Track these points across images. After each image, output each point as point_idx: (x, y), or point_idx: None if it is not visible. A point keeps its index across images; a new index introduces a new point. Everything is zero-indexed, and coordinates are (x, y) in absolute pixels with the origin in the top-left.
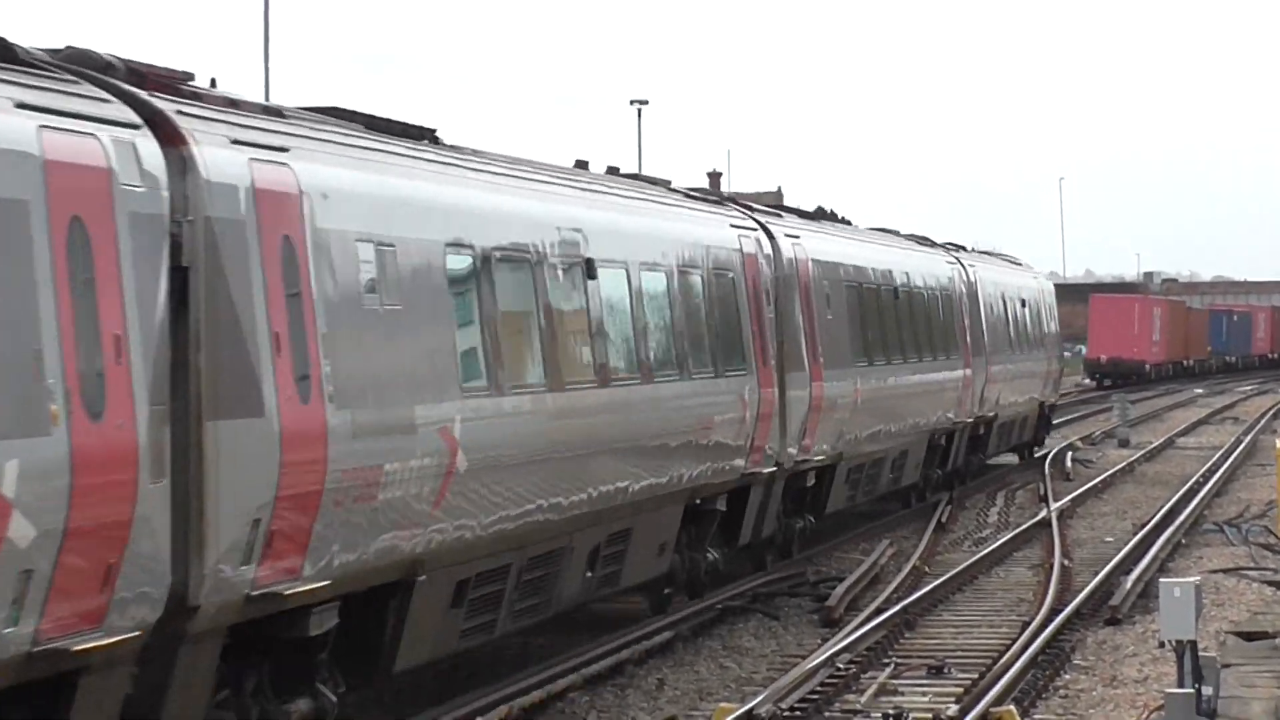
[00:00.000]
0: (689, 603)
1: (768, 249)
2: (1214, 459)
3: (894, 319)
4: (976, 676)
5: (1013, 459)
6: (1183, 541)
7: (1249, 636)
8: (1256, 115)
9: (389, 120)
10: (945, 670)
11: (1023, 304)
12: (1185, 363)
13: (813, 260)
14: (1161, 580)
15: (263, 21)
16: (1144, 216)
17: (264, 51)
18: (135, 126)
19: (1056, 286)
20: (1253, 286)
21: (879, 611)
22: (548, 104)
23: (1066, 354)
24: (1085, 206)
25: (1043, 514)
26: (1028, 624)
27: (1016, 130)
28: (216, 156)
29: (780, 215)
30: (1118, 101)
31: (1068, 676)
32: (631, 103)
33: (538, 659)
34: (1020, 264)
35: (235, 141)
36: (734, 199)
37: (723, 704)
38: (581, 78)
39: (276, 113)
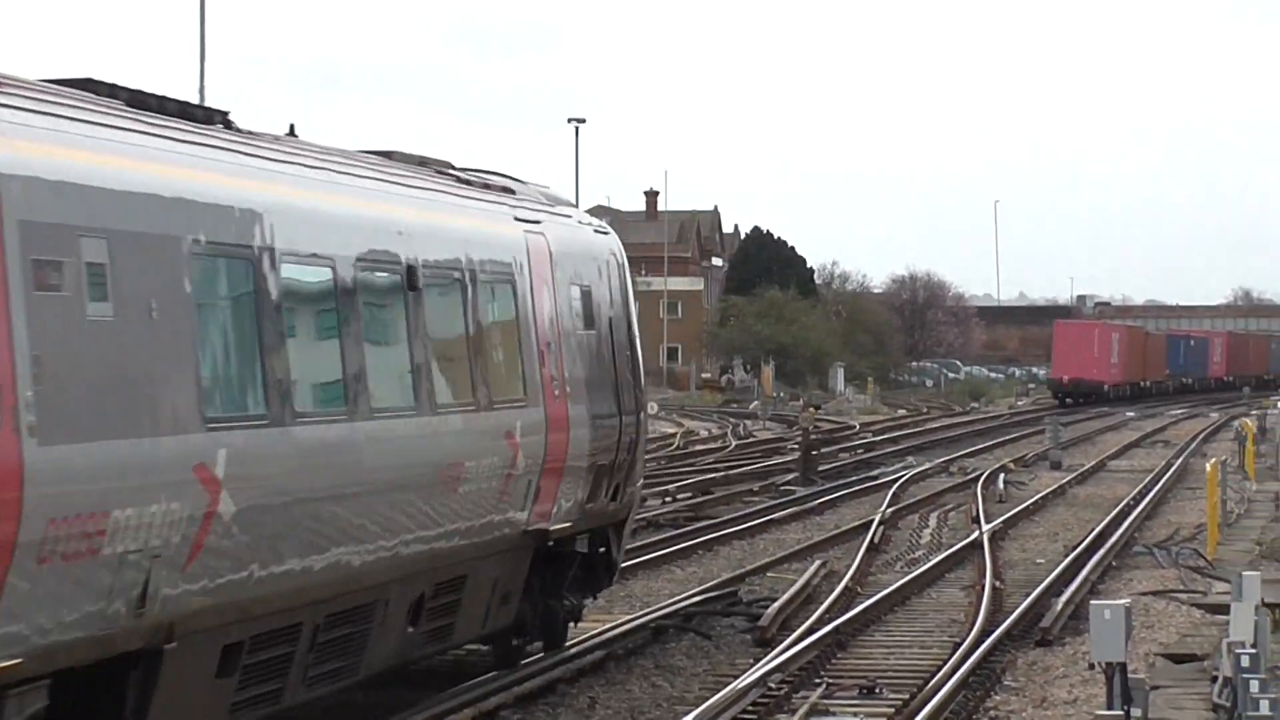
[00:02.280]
0: (621, 621)
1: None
2: (1145, 482)
3: None
4: (908, 697)
5: None
6: (1113, 564)
7: (1178, 659)
8: (1190, 144)
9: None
10: (877, 690)
11: (462, 279)
12: (1143, 384)
13: None
14: (1092, 602)
15: (199, 37)
16: (1077, 240)
17: (200, 68)
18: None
19: (990, 310)
20: (1184, 311)
21: (811, 631)
22: (482, 120)
23: (998, 376)
24: (1020, 230)
25: (975, 535)
26: (959, 645)
27: (953, 153)
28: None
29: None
30: (1054, 125)
31: (998, 698)
32: (569, 121)
33: (469, 675)
34: (510, 186)
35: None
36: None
37: None
38: (516, 94)
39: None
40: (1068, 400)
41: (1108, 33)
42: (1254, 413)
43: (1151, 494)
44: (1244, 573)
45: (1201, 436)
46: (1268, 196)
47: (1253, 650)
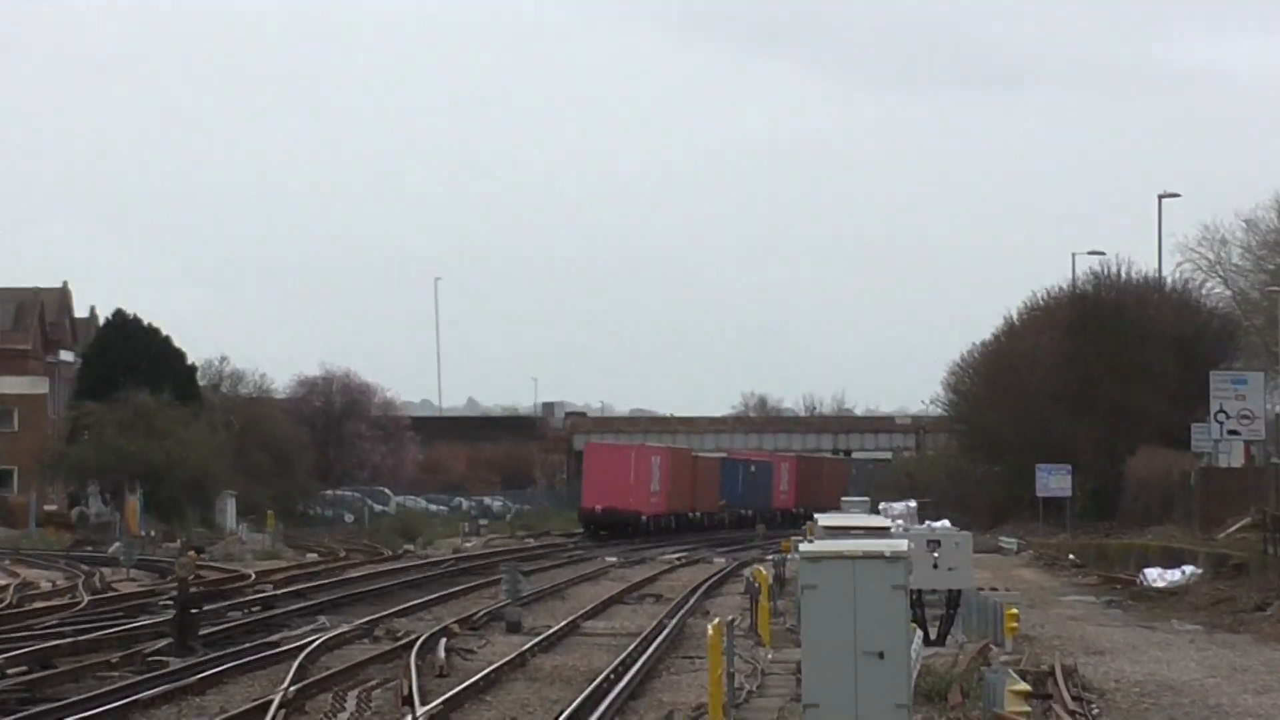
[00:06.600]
0: None
1: None
2: (630, 648)
3: None
4: None
5: None
6: None
7: None
8: (660, 235)
9: None
10: None
11: None
12: (692, 515)
13: None
14: None
15: None
16: (539, 338)
17: None
18: None
19: (430, 421)
20: (681, 423)
21: None
22: None
23: (441, 509)
24: (468, 322)
25: None
26: None
27: (385, 225)
28: None
29: None
30: (503, 200)
31: None
32: None
33: None
34: None
35: None
36: None
37: None
38: None
39: None
40: (601, 533)
41: (561, 116)
42: (770, 558)
43: (638, 665)
44: None
45: (703, 589)
46: (770, 297)
47: None
